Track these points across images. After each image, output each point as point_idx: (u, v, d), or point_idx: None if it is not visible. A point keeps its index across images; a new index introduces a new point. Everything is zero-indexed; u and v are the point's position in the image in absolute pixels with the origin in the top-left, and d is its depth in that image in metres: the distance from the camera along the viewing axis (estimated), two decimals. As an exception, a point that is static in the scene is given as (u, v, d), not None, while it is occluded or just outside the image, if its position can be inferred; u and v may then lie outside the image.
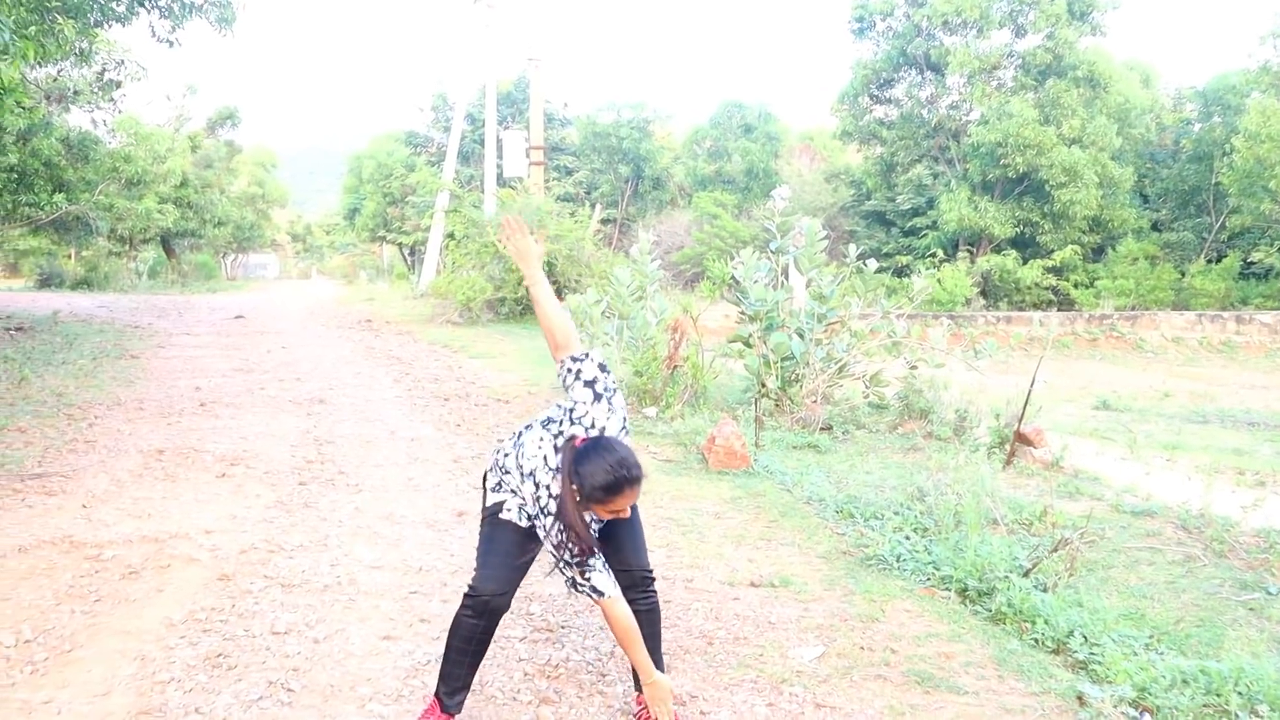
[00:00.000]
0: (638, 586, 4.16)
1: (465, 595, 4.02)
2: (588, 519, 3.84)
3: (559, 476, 3.75)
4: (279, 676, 4.63)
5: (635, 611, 4.15)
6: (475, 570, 4.01)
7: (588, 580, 3.87)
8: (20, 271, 43.40)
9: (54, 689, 4.42)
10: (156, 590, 5.72)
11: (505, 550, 3.97)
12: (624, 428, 3.88)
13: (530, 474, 3.86)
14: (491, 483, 4.07)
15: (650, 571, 4.21)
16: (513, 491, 3.97)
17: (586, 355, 3.96)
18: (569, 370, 3.94)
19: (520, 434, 3.99)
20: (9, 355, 14.18)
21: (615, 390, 3.95)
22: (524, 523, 3.97)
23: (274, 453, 9.39)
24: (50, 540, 6.47)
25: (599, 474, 3.61)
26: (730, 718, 4.39)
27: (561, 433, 3.83)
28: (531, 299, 4.19)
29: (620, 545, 4.13)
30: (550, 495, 3.80)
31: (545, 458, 3.84)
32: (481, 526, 4.09)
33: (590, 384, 3.89)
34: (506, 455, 4.00)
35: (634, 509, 4.17)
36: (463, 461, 9.28)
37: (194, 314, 25.48)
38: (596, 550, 3.87)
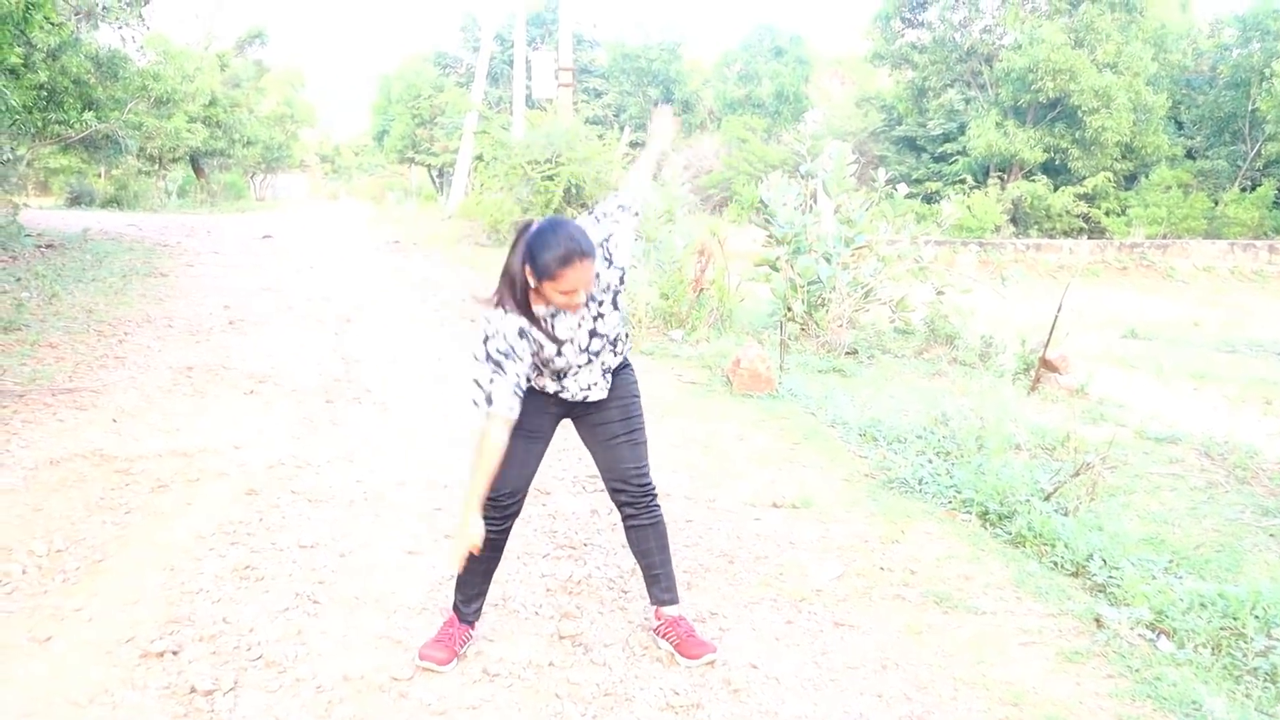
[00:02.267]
0: (638, 502, 4.18)
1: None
2: (542, 313, 3.82)
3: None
4: (305, 588, 4.71)
5: (639, 527, 4.19)
6: None
7: (490, 385, 3.77)
8: (50, 190, 43.44)
9: (85, 597, 4.50)
10: (185, 503, 5.79)
11: (514, 451, 3.97)
12: (638, 237, 3.92)
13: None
14: None
15: (652, 486, 4.21)
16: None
17: (633, 204, 4.12)
18: (619, 205, 4.09)
19: None
20: (40, 272, 14.26)
21: (637, 206, 4.10)
22: (522, 370, 3.85)
23: (301, 370, 9.46)
24: (81, 453, 6.55)
25: (551, 245, 3.57)
26: (749, 635, 4.44)
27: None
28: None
29: (622, 464, 4.13)
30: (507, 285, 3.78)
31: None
32: None
33: (623, 206, 4.08)
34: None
35: (638, 429, 4.19)
36: (488, 381, 9.30)
37: (222, 233, 25.53)
38: (612, 344, 3.99)
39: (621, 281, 3.96)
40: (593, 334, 3.91)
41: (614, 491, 4.18)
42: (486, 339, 3.77)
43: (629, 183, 4.16)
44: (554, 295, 3.67)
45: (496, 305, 3.78)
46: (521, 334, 3.77)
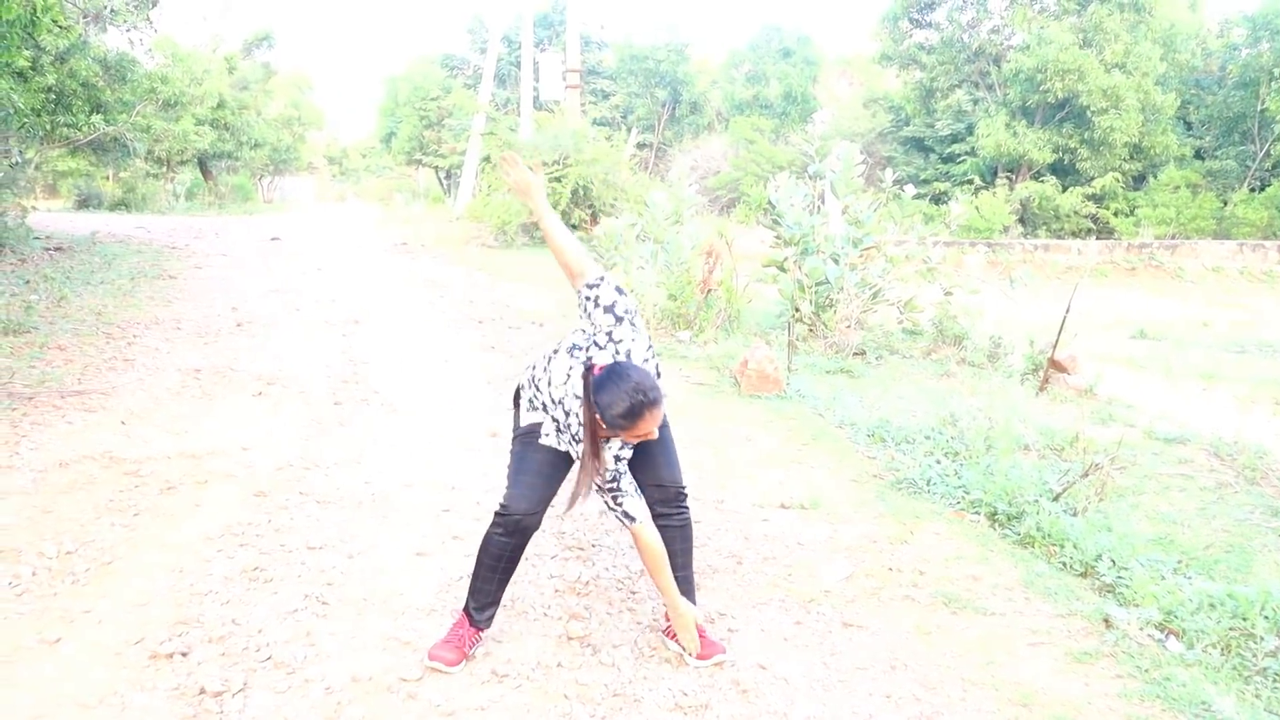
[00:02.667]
0: (670, 502, 4.19)
1: (496, 514, 4.05)
2: (616, 445, 3.86)
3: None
4: (314, 590, 4.71)
5: (668, 527, 4.19)
6: (506, 489, 4.04)
7: (620, 505, 3.91)
8: (59, 193, 43.53)
9: (94, 599, 4.51)
10: (194, 505, 5.80)
11: (536, 469, 3.99)
12: (649, 347, 3.89)
13: (559, 401, 3.88)
14: (525, 398, 4.09)
15: (683, 488, 4.23)
16: (545, 410, 3.98)
17: (602, 279, 3.96)
18: (587, 298, 3.94)
19: (549, 358, 3.99)
20: (49, 274, 14.29)
21: (636, 311, 3.95)
22: (560, 446, 3.99)
23: (309, 372, 9.47)
24: (90, 455, 6.56)
25: (617, 402, 3.59)
26: (758, 636, 4.44)
27: (591, 359, 3.82)
28: (542, 231, 4.19)
29: (654, 462, 4.15)
30: (580, 422, 3.81)
31: (571, 385, 3.85)
32: (513, 444, 4.11)
33: (610, 308, 3.89)
34: (537, 377, 4.00)
35: (666, 427, 4.19)
36: (496, 383, 9.32)
37: (230, 236, 25.55)
38: (619, 479, 3.90)
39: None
40: (617, 458, 3.94)
41: (648, 489, 4.17)
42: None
43: (573, 257, 4.07)
44: (626, 437, 3.75)
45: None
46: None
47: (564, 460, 4.05)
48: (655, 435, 3.75)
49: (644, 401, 3.60)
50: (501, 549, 4.05)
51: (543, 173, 4.28)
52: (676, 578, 4.23)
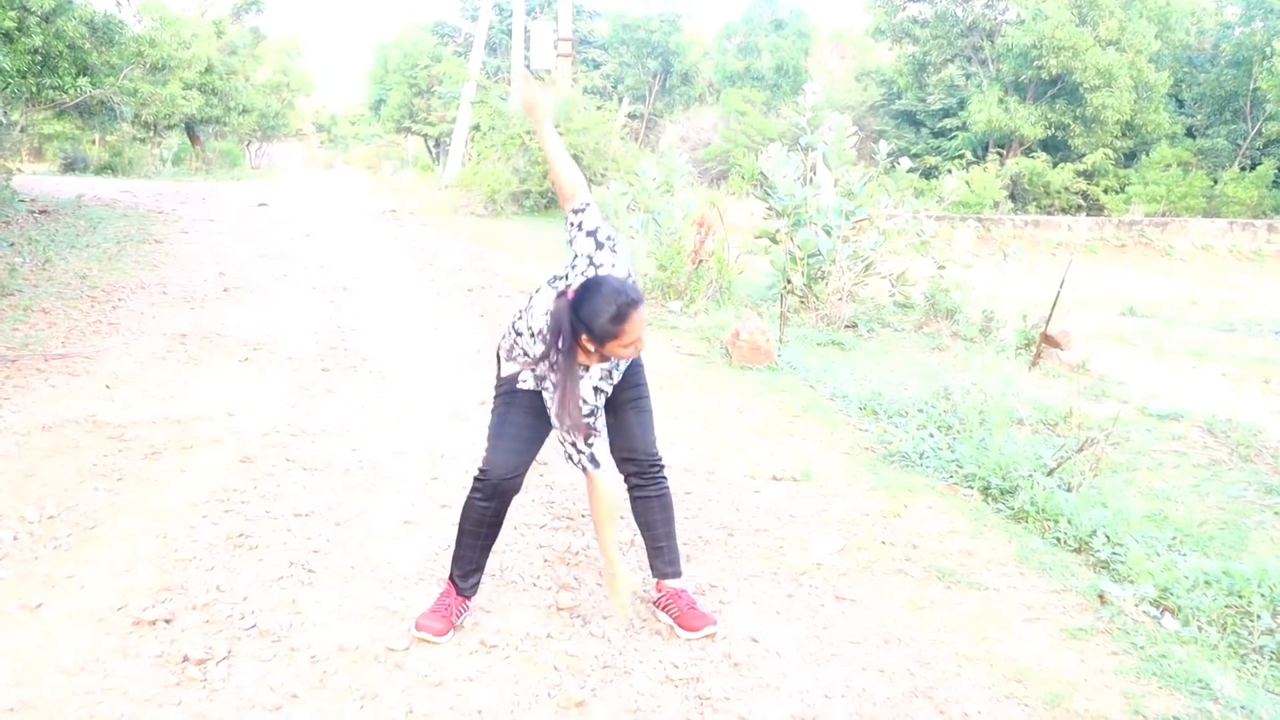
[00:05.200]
0: (646, 474, 4.14)
1: (475, 478, 4.00)
2: (595, 376, 3.81)
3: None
4: (300, 557, 4.65)
5: (645, 498, 4.16)
6: (485, 452, 3.99)
7: (589, 447, 3.82)
8: (44, 156, 43.24)
9: (77, 564, 4.45)
10: (179, 470, 5.74)
11: (517, 431, 3.93)
12: (629, 275, 3.81)
13: (539, 333, 3.79)
14: (504, 347, 4.01)
15: (659, 458, 4.19)
16: (526, 354, 3.90)
17: (588, 204, 3.90)
18: (572, 223, 3.88)
19: (531, 297, 3.92)
20: (33, 237, 14.16)
21: (617, 239, 3.88)
22: (538, 386, 3.91)
23: (297, 339, 9.39)
24: (74, 420, 6.49)
25: (602, 309, 3.52)
26: (750, 608, 4.39)
27: (569, 285, 3.73)
28: (542, 150, 4.14)
29: (630, 432, 4.10)
30: (558, 351, 3.73)
31: (549, 313, 3.77)
32: (494, 404, 4.04)
33: (592, 233, 3.82)
34: (519, 319, 3.93)
35: (644, 397, 4.14)
36: (485, 351, 9.26)
37: (217, 201, 25.40)
38: (595, 414, 3.84)
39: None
40: (596, 390, 3.87)
41: (622, 461, 4.13)
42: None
43: (567, 179, 4.00)
44: (619, 350, 3.64)
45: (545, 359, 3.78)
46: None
47: (544, 422, 3.98)
48: (642, 345, 3.67)
49: (628, 301, 3.53)
50: (482, 514, 3.99)
51: (552, 98, 4.22)
52: (660, 548, 4.20)
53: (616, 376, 3.91)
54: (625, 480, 4.17)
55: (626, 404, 4.06)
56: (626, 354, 3.67)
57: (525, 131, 24.21)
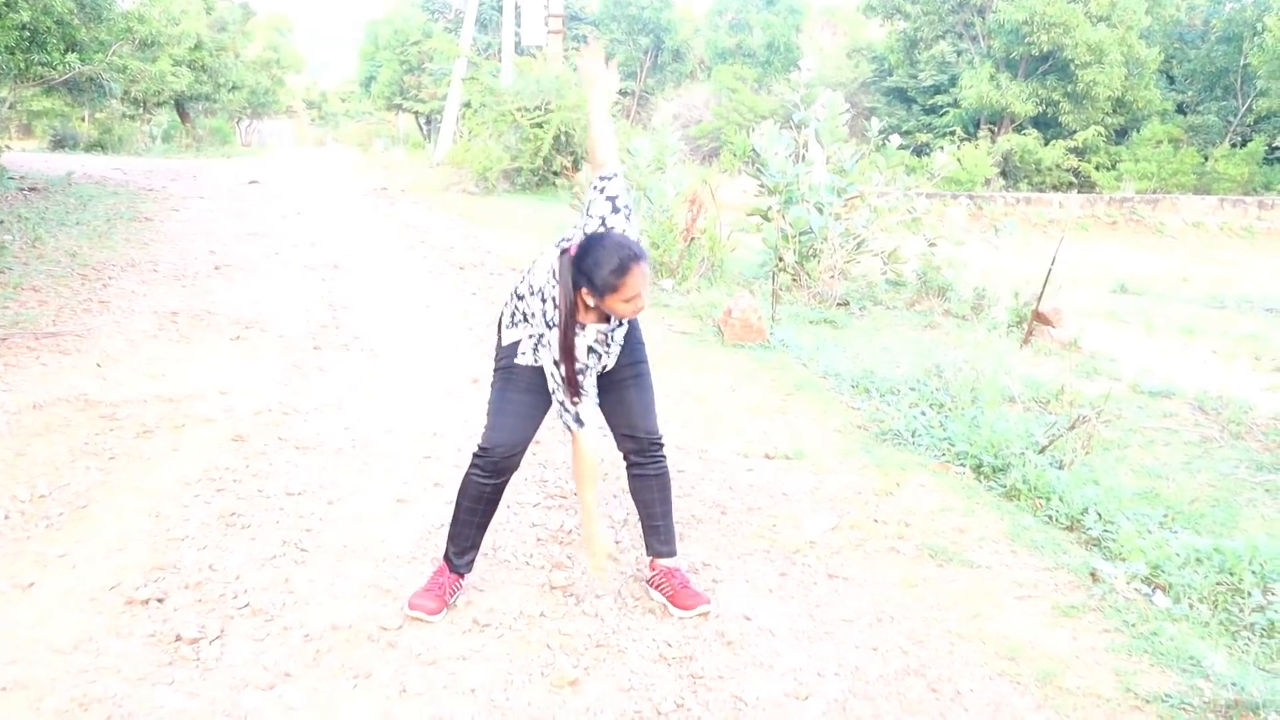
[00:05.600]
0: (645, 452, 4.14)
1: (474, 454, 3.99)
2: (591, 335, 3.82)
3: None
4: (293, 536, 4.65)
5: (643, 476, 4.16)
6: (485, 429, 3.99)
7: (576, 405, 3.81)
8: (33, 133, 43.06)
9: (69, 543, 4.44)
10: (171, 449, 5.73)
11: (516, 409, 3.93)
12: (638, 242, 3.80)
13: (539, 290, 3.79)
14: (507, 316, 4.00)
15: (659, 437, 4.18)
16: (526, 319, 3.89)
17: (615, 174, 3.90)
18: (597, 187, 3.87)
19: (535, 260, 3.92)
20: (23, 215, 14.10)
21: (633, 210, 3.88)
22: (538, 361, 3.89)
23: (288, 316, 9.37)
24: (65, 398, 6.47)
25: (604, 260, 3.55)
26: (743, 586, 4.39)
27: (570, 242, 3.77)
28: (589, 118, 4.12)
29: (629, 410, 4.09)
30: (555, 307, 3.73)
31: (553, 270, 3.77)
32: (494, 379, 4.03)
33: (612, 199, 3.82)
34: (521, 281, 3.92)
35: (644, 375, 4.13)
36: (477, 329, 9.25)
37: (208, 178, 25.33)
38: (585, 374, 3.84)
39: None
40: (591, 350, 3.87)
41: (621, 438, 4.13)
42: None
43: (603, 147, 4.00)
44: (619, 306, 3.65)
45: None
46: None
47: (544, 399, 3.98)
48: (643, 303, 3.68)
49: (630, 255, 3.56)
50: (480, 490, 3.99)
51: (616, 78, 4.19)
52: (656, 526, 4.20)
53: (615, 344, 3.91)
54: (625, 458, 4.17)
55: (627, 380, 4.06)
56: (626, 310, 3.67)
57: (516, 109, 24.13)
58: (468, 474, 4.01)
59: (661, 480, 4.18)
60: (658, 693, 3.56)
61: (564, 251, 3.68)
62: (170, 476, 5.31)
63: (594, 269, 3.56)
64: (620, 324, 3.91)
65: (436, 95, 44.57)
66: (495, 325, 4.13)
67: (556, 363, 3.75)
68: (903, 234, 12.60)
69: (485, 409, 4.04)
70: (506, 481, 4.03)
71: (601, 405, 4.10)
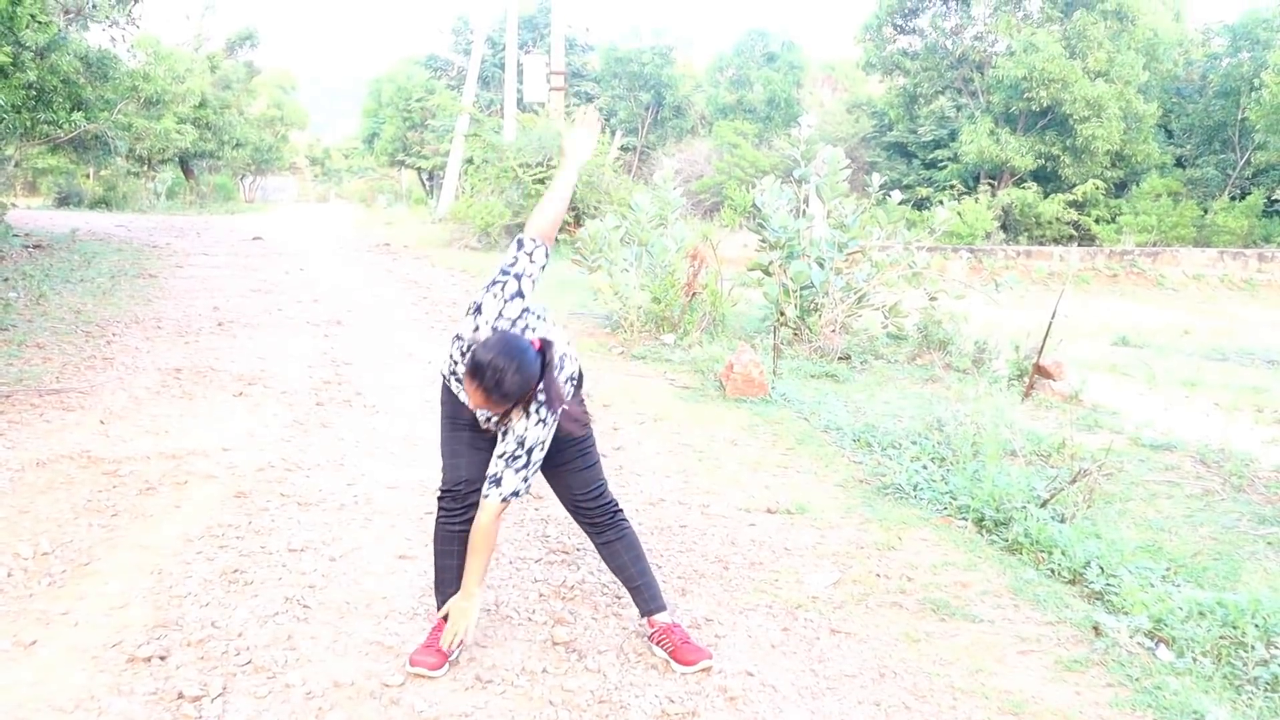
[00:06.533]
0: (598, 521, 4.19)
1: (439, 499, 4.07)
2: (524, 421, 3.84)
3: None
4: (295, 593, 4.65)
5: (607, 543, 4.22)
6: (443, 470, 4.07)
7: (526, 480, 3.89)
8: (39, 190, 43.36)
9: (71, 601, 4.44)
10: (174, 506, 5.74)
11: (469, 441, 4.02)
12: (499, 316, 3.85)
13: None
14: (448, 371, 4.04)
15: (609, 503, 4.21)
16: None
17: (539, 248, 4.02)
18: (528, 251, 4.00)
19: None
20: (28, 272, 14.18)
21: (504, 284, 3.92)
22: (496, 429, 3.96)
23: (291, 373, 9.40)
24: (68, 455, 6.49)
25: (477, 356, 3.61)
26: (745, 642, 4.39)
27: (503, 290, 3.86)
28: (557, 181, 4.23)
29: (571, 484, 4.16)
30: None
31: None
32: (442, 423, 4.13)
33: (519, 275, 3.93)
34: (460, 337, 3.95)
35: (590, 450, 4.19)
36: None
37: (212, 235, 25.46)
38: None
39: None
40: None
41: (575, 514, 4.19)
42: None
43: (555, 223, 4.14)
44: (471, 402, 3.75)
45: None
46: None
47: (481, 430, 4.04)
48: (479, 414, 3.84)
49: (473, 364, 3.61)
50: (450, 532, 4.06)
51: (593, 148, 4.24)
52: (638, 587, 4.23)
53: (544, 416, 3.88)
54: (584, 529, 4.24)
55: (569, 463, 4.12)
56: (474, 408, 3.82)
57: (519, 164, 24.29)
58: (437, 521, 4.08)
59: (626, 541, 4.19)
60: (660, 749, 3.56)
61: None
62: (173, 533, 5.31)
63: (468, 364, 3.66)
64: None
65: (439, 151, 44.89)
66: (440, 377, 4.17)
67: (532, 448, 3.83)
68: (904, 288, 12.64)
69: (439, 452, 4.09)
70: (473, 517, 4.04)
71: (551, 486, 4.20)
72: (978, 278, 13.41)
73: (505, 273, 3.89)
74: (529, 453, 3.84)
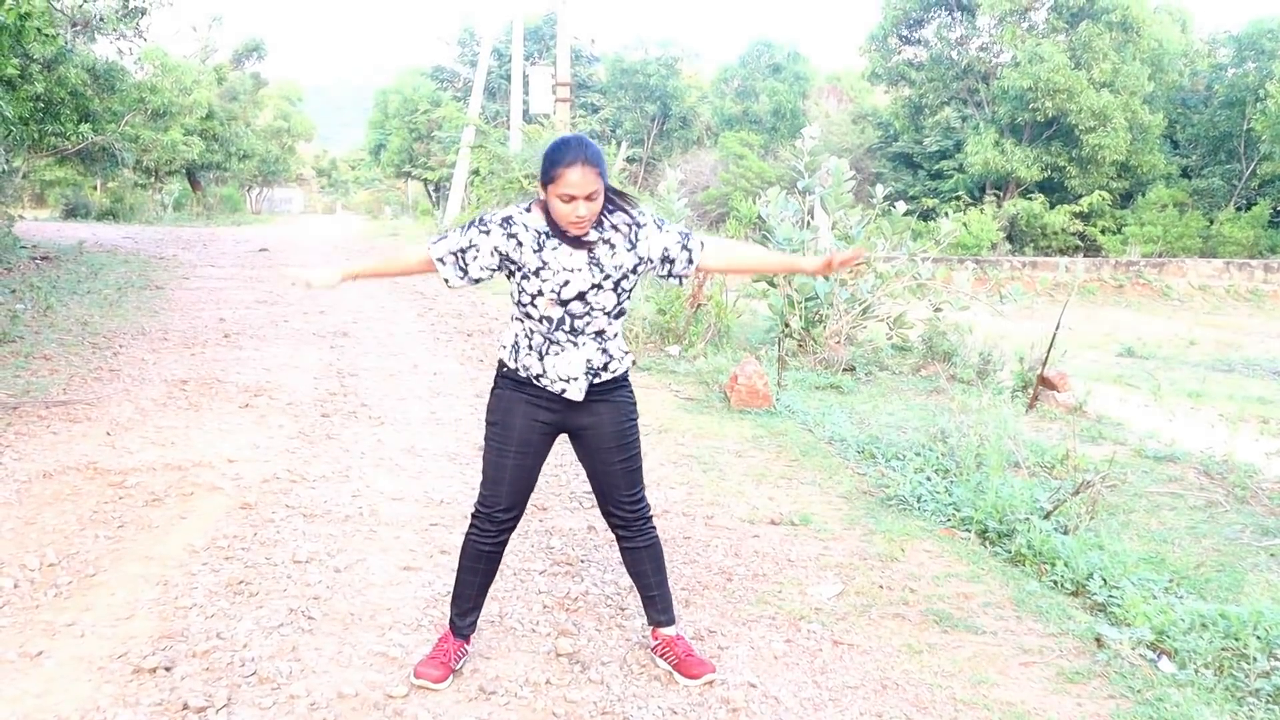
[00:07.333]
0: (632, 525, 4.14)
1: (473, 515, 4.02)
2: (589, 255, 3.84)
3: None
4: (300, 604, 4.67)
5: (634, 549, 4.16)
6: (481, 488, 4.01)
7: (446, 236, 3.95)
8: (46, 202, 43.55)
9: (77, 612, 4.47)
10: (179, 517, 5.76)
11: (514, 464, 3.96)
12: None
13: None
14: (510, 341, 4.02)
15: (644, 508, 4.17)
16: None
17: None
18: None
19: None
20: (35, 284, 14.23)
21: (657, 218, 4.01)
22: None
23: (297, 384, 9.42)
24: (75, 466, 6.52)
25: (554, 150, 3.65)
26: (748, 653, 4.40)
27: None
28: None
29: (617, 486, 4.08)
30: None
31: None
32: (488, 435, 4.02)
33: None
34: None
35: (636, 453, 4.14)
36: (484, 396, 9.26)
37: (218, 246, 25.52)
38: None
39: (635, 272, 3.94)
40: (580, 295, 3.84)
41: (607, 514, 4.14)
42: (482, 215, 3.92)
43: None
44: (557, 205, 3.68)
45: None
46: (507, 222, 3.85)
47: (539, 456, 4.01)
48: (584, 224, 3.73)
49: (578, 153, 3.63)
50: (479, 550, 4.02)
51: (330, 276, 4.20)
52: (653, 596, 4.21)
53: (618, 249, 3.89)
54: (613, 531, 4.18)
55: (614, 462, 4.03)
56: (563, 212, 3.69)
57: (524, 176, 24.34)
58: (467, 534, 4.04)
59: (652, 551, 4.18)
60: (662, 761, 3.57)
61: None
62: (178, 544, 5.34)
63: (545, 157, 3.67)
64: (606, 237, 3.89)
65: (445, 163, 44.99)
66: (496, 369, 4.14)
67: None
68: (908, 299, 12.66)
69: (482, 465, 4.06)
70: (506, 541, 4.05)
71: (589, 478, 4.14)
72: (983, 289, 13.39)
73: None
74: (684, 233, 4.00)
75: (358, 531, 5.70)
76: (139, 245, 23.58)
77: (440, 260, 3.90)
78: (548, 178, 3.64)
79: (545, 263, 3.78)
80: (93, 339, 10.87)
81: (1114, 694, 4.10)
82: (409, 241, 29.91)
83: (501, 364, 4.01)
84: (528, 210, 3.84)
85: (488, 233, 3.83)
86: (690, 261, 4.00)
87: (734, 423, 8.79)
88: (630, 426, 4.07)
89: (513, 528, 4.03)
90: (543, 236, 3.79)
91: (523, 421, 3.93)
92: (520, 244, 3.80)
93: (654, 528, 4.21)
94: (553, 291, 3.80)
